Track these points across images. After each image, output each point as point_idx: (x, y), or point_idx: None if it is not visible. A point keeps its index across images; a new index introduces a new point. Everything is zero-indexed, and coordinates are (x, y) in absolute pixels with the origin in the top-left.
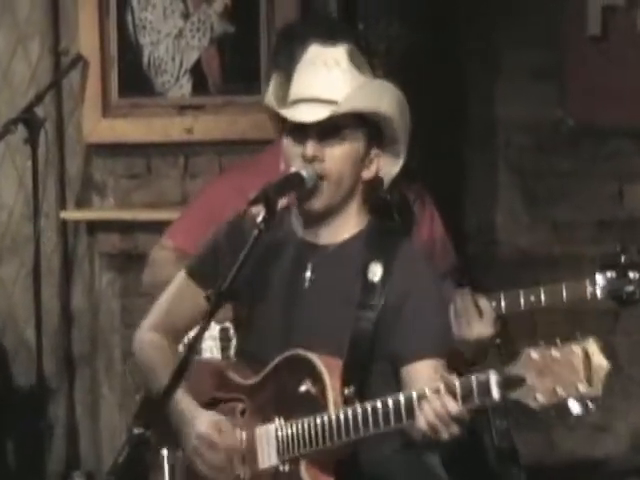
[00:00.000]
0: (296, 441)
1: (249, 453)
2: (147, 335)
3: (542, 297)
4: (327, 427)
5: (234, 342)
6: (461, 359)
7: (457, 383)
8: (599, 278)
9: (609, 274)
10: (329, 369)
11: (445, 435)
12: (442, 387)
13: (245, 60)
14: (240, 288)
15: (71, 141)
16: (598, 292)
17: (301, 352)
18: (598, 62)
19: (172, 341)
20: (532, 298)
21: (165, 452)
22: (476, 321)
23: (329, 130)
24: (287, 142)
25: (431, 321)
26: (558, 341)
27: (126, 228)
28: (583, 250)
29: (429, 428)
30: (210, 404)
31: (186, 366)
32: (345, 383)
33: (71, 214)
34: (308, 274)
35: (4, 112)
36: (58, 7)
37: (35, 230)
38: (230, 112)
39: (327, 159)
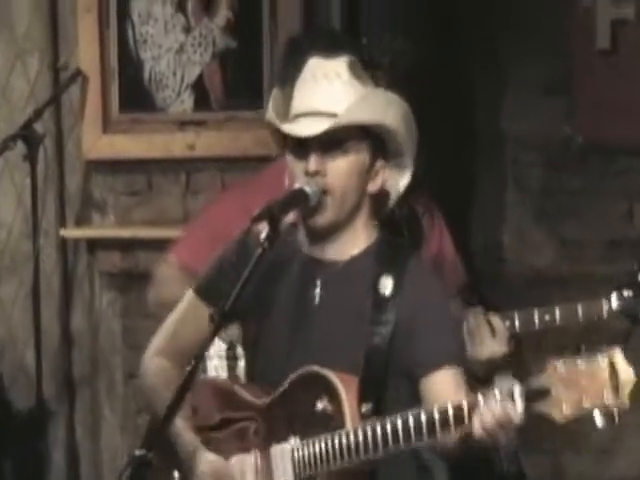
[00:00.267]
0: (313, 460)
1: (265, 474)
2: (153, 360)
3: (557, 316)
4: (345, 445)
5: (241, 362)
6: (472, 378)
7: (479, 396)
8: (615, 296)
9: (625, 293)
10: (345, 386)
11: (503, 440)
12: (497, 393)
13: (248, 75)
14: (246, 306)
15: (71, 157)
16: (614, 309)
17: (316, 369)
18: (607, 76)
19: (178, 364)
20: (547, 317)
21: (176, 475)
22: (489, 340)
23: (331, 143)
24: (290, 158)
25: (445, 331)
26: (583, 348)
27: (127, 246)
28: (593, 269)
29: (486, 434)
30: (220, 425)
31: (189, 385)
32: (362, 400)
33: (71, 232)
34: (317, 291)
35: (2, 128)
36: (57, 22)
37: (34, 248)
38: (233, 128)
39: (330, 173)
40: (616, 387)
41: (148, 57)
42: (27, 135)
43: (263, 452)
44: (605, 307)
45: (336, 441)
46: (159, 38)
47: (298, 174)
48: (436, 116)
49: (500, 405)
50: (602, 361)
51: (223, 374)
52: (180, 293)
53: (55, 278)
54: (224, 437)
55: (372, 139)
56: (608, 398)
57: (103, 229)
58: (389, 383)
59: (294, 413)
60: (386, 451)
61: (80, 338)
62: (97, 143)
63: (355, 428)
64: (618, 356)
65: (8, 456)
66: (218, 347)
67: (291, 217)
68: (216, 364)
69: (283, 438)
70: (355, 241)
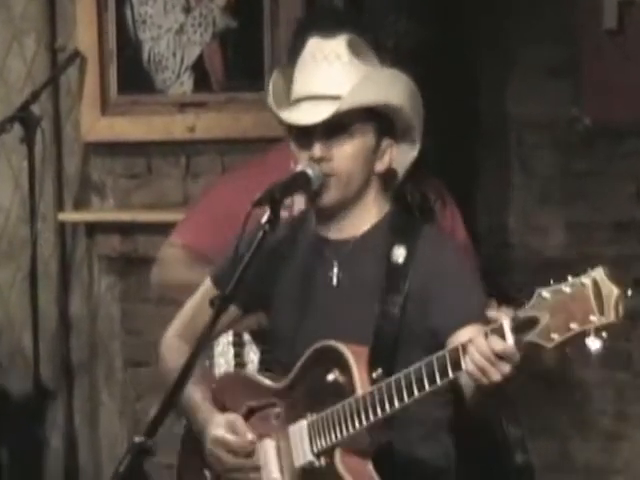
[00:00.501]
0: (327, 429)
1: (286, 454)
2: (172, 342)
3: None
4: (355, 409)
5: (247, 348)
6: None
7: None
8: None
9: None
10: (356, 355)
11: (496, 376)
12: (486, 328)
13: (248, 56)
14: (266, 294)
15: (69, 140)
16: None
17: (326, 342)
18: (614, 57)
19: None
20: None
21: (208, 474)
22: None
23: (336, 128)
24: (293, 145)
25: (464, 290)
26: (569, 277)
27: (126, 230)
28: (600, 252)
29: (478, 370)
30: (247, 415)
31: (193, 363)
32: (372, 367)
33: (69, 216)
34: (335, 271)
35: None
36: (54, 2)
37: (32, 233)
38: (233, 110)
39: (336, 158)
40: (601, 304)
41: (147, 38)
42: (24, 117)
43: (283, 433)
44: None
45: (347, 407)
46: (158, 18)
47: (302, 158)
48: (440, 98)
49: (488, 340)
50: (586, 282)
51: (230, 360)
52: (183, 274)
53: (53, 262)
54: (251, 426)
55: (378, 119)
56: (594, 317)
57: (102, 213)
58: (401, 351)
59: (310, 389)
60: (393, 408)
61: (78, 323)
62: (95, 125)
63: (364, 392)
64: (600, 274)
65: (5, 443)
66: (226, 334)
67: (302, 202)
68: (223, 350)
69: (301, 416)
70: (367, 216)
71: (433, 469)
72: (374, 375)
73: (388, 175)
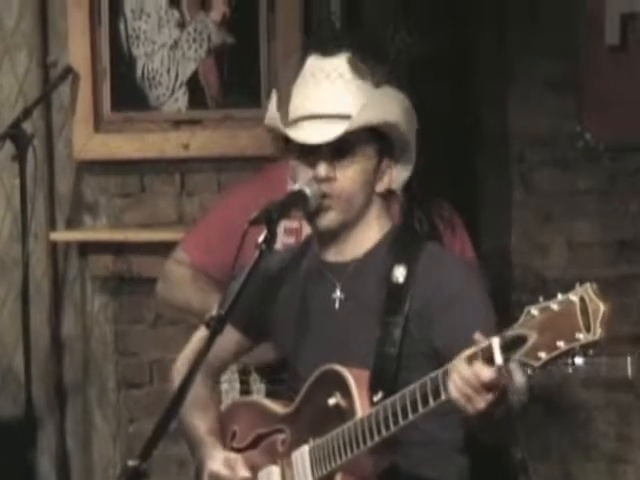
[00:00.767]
0: (328, 454)
1: None
2: (182, 369)
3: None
4: (354, 430)
5: (253, 377)
6: None
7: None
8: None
9: None
10: (357, 379)
11: (481, 404)
12: (463, 355)
13: (245, 72)
14: (262, 317)
15: (61, 158)
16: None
17: (328, 367)
18: (617, 73)
19: (207, 375)
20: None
21: None
22: None
23: (341, 148)
24: (295, 164)
25: (471, 307)
26: (559, 294)
27: (119, 249)
28: (602, 272)
29: (461, 397)
30: (255, 442)
31: (188, 386)
32: (374, 390)
33: (61, 235)
34: (337, 294)
35: None
36: (47, 17)
37: (23, 252)
38: (229, 127)
39: (339, 179)
40: (587, 321)
41: (141, 54)
42: (16, 134)
43: (287, 460)
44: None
45: (346, 431)
46: (152, 34)
47: (303, 178)
48: (440, 113)
49: (469, 368)
50: (573, 299)
51: (236, 387)
52: (189, 297)
53: (45, 282)
54: (258, 453)
55: (379, 140)
56: (580, 334)
57: (94, 232)
58: (402, 373)
59: (313, 414)
60: (389, 431)
61: (71, 344)
62: (88, 143)
63: (364, 415)
64: (588, 290)
65: None
66: (230, 374)
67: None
68: (228, 377)
69: (304, 441)
70: (367, 237)
71: None
72: (375, 398)
73: (388, 194)
